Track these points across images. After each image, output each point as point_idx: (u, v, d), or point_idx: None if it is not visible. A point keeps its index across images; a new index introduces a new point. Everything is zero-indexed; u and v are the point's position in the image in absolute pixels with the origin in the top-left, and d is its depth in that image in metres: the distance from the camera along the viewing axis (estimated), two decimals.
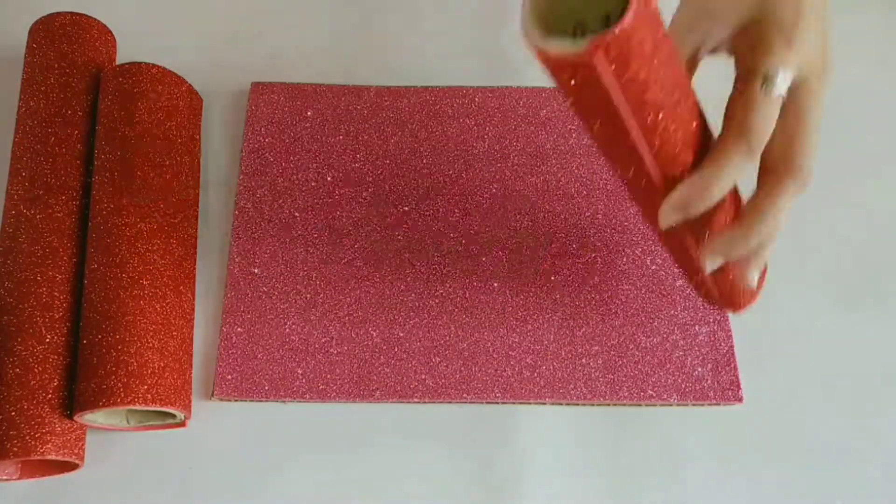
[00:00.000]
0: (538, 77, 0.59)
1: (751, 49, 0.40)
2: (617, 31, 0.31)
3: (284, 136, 0.56)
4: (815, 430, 0.49)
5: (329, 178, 0.54)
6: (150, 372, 0.44)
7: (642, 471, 0.47)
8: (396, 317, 0.50)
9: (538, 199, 0.54)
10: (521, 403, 0.49)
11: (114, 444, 0.47)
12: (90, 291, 0.46)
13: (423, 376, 0.49)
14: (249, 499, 0.46)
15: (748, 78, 0.40)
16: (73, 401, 0.45)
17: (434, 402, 0.49)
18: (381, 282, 0.51)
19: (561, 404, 0.49)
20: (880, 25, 0.63)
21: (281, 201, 0.53)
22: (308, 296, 0.51)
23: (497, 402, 0.49)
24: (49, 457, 0.43)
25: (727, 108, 0.40)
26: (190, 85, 0.54)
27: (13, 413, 0.43)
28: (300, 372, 0.49)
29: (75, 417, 0.44)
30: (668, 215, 0.40)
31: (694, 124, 0.39)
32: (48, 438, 0.43)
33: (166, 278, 0.47)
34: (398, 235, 0.53)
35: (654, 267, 0.52)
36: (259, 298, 0.51)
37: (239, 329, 0.50)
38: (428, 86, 0.58)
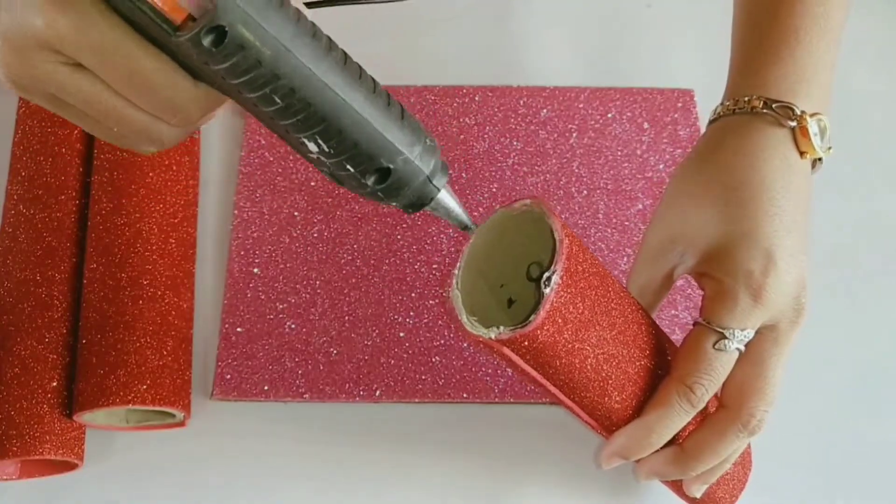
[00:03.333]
0: (538, 77, 0.59)
1: (713, 297, 0.38)
2: (518, 334, 0.32)
3: None
4: (814, 427, 0.49)
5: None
6: (149, 372, 0.44)
7: None
8: (396, 317, 0.50)
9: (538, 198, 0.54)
10: (521, 403, 0.49)
11: (113, 444, 0.47)
12: (89, 291, 0.46)
13: (423, 376, 0.49)
14: (249, 499, 0.46)
15: (703, 330, 0.38)
16: (72, 400, 0.45)
17: (434, 402, 0.49)
18: (380, 282, 0.51)
19: None
20: (880, 25, 0.63)
21: (281, 201, 0.53)
22: (308, 296, 0.51)
23: (497, 402, 0.49)
24: (48, 456, 0.43)
25: (680, 347, 0.39)
26: None
27: (13, 413, 0.43)
28: (300, 372, 0.49)
29: (75, 417, 0.44)
30: (610, 460, 0.40)
31: (638, 365, 0.38)
32: (48, 438, 0.43)
33: (165, 278, 0.47)
34: (398, 235, 0.53)
35: None
36: (259, 298, 0.50)
37: (238, 329, 0.50)
38: (428, 85, 0.58)
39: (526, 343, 0.33)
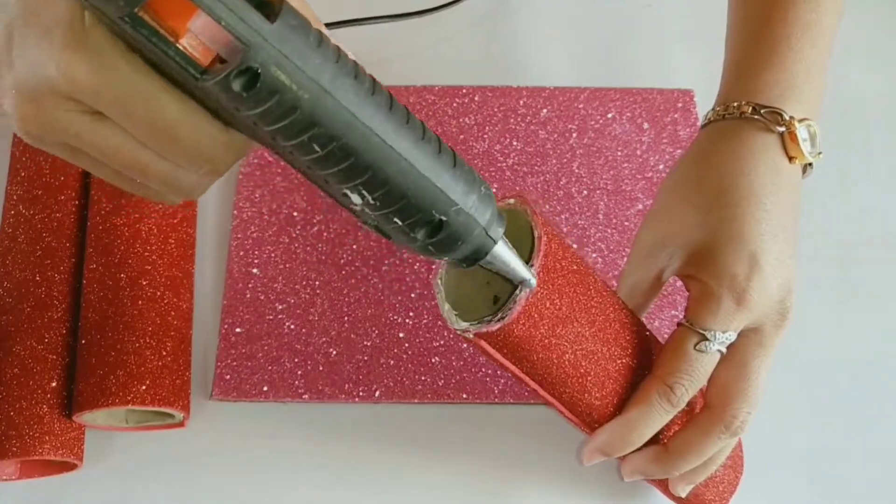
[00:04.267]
0: (538, 77, 0.59)
1: (697, 298, 0.38)
2: (494, 328, 0.33)
3: None
4: (808, 428, 0.49)
5: None
6: (148, 372, 0.44)
7: None
8: (396, 317, 0.50)
9: (538, 198, 0.54)
10: (521, 404, 0.49)
11: (113, 444, 0.47)
12: (89, 292, 0.46)
13: (423, 377, 0.49)
14: (249, 499, 0.46)
15: (686, 331, 0.38)
16: (72, 401, 0.45)
17: (433, 403, 0.49)
18: (380, 282, 0.51)
19: None
20: (880, 25, 0.63)
21: (280, 201, 0.53)
22: (307, 296, 0.51)
23: (497, 403, 0.49)
24: (48, 457, 0.43)
25: (663, 347, 0.39)
26: None
27: (12, 413, 0.43)
28: (299, 372, 0.49)
29: (74, 417, 0.44)
30: (591, 457, 0.40)
31: (619, 363, 0.38)
32: (47, 438, 0.43)
33: (165, 278, 0.47)
34: None
35: None
36: (258, 299, 0.50)
37: (238, 329, 0.50)
38: (428, 85, 0.58)
39: (502, 337, 0.33)
